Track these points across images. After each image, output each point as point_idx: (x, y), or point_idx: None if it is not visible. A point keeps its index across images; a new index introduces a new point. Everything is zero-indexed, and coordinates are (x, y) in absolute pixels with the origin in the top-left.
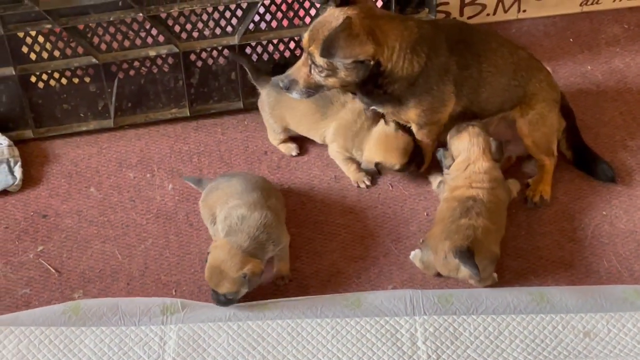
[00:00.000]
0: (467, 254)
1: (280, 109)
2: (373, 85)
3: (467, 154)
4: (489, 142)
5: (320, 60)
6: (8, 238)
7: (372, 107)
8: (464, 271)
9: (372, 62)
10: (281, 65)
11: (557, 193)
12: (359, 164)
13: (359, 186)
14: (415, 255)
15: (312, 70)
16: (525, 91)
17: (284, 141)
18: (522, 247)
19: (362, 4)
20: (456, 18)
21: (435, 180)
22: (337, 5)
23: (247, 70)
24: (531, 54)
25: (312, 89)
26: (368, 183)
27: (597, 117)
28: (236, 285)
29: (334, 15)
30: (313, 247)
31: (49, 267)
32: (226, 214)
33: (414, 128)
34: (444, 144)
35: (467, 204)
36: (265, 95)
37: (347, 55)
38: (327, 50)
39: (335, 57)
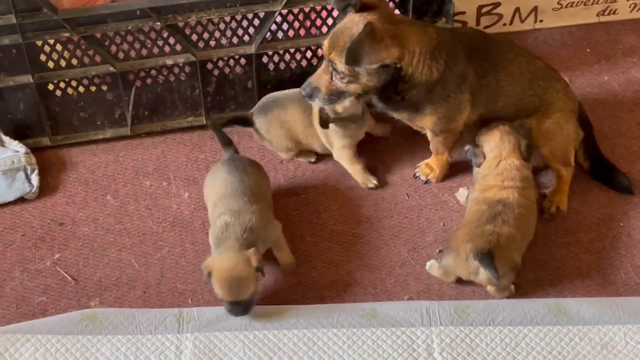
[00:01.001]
0: (488, 256)
1: (275, 128)
2: (393, 90)
3: (498, 151)
4: (519, 141)
5: (342, 67)
6: (25, 246)
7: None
8: (483, 274)
9: (397, 66)
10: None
11: (574, 204)
12: (365, 165)
13: (368, 187)
14: (431, 265)
15: (334, 78)
16: (542, 100)
17: (298, 154)
18: (539, 258)
19: (382, 9)
20: (473, 27)
21: (462, 196)
22: (357, 11)
23: (233, 126)
24: (548, 64)
25: (334, 96)
26: (375, 182)
27: (614, 127)
28: (254, 282)
29: (354, 21)
30: (329, 257)
31: (65, 274)
32: (212, 223)
33: (429, 135)
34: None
35: (496, 208)
36: (258, 125)
37: (374, 60)
38: (353, 57)
39: (362, 63)
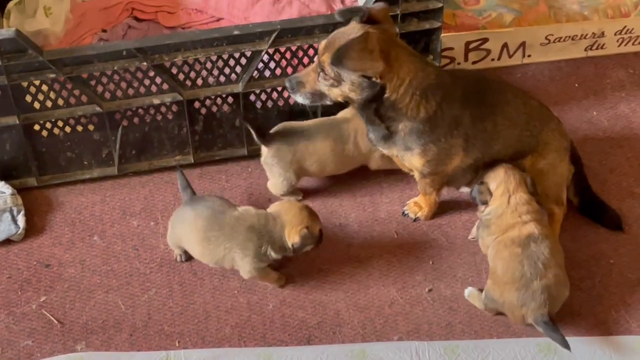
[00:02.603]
0: (549, 323)
1: (298, 160)
2: (375, 113)
3: (505, 186)
4: (524, 176)
5: (328, 68)
6: (10, 288)
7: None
8: None
9: (378, 82)
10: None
11: (564, 241)
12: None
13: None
14: (470, 294)
15: (320, 77)
16: (538, 140)
17: (287, 193)
18: None
19: (386, 26)
20: (473, 69)
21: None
22: (361, 22)
23: (252, 131)
24: (541, 102)
25: (316, 96)
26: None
27: (603, 163)
28: None
29: (355, 28)
30: (317, 297)
31: (51, 317)
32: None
33: (416, 176)
34: None
35: (530, 250)
36: (276, 151)
37: (356, 67)
38: (338, 58)
39: (344, 66)
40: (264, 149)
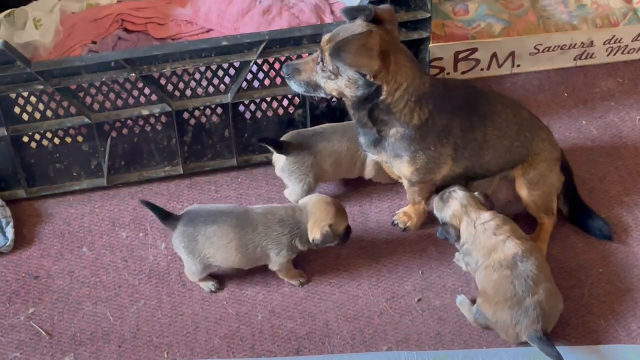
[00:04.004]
0: (544, 339)
1: (318, 162)
2: (367, 113)
3: (466, 217)
4: (475, 197)
5: (327, 60)
6: None
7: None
8: None
9: (373, 82)
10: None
11: (553, 250)
12: None
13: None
14: (462, 302)
15: (318, 68)
16: (528, 150)
17: None
18: None
19: (391, 28)
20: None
21: (459, 261)
22: (367, 21)
23: (272, 148)
24: (531, 113)
25: (311, 87)
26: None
27: (592, 172)
28: None
29: (360, 25)
30: (307, 308)
31: (39, 329)
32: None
33: (405, 184)
34: None
35: (519, 270)
36: (295, 157)
37: (352, 62)
38: (337, 50)
39: (341, 59)
40: (279, 159)
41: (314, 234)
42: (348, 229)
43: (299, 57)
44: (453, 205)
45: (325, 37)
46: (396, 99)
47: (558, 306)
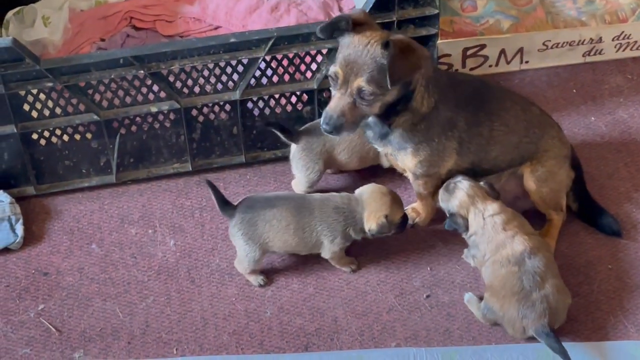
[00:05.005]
0: (551, 335)
1: (327, 150)
2: (393, 109)
3: (473, 208)
4: (481, 187)
5: (370, 88)
6: (9, 297)
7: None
8: None
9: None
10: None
11: (562, 246)
12: None
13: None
14: (469, 300)
15: (357, 103)
16: (537, 147)
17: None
18: None
19: (371, 25)
20: (472, 74)
21: (468, 257)
22: (350, 31)
23: (279, 133)
24: (542, 109)
25: (357, 123)
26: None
27: (601, 168)
28: None
29: (364, 43)
30: (315, 304)
31: (49, 326)
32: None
33: (410, 177)
34: None
35: (527, 266)
36: (305, 144)
37: (409, 75)
38: (396, 77)
39: (406, 77)
40: (293, 146)
41: (370, 224)
42: (404, 218)
43: (307, 53)
44: (459, 196)
45: (341, 74)
46: (417, 87)
47: (565, 302)
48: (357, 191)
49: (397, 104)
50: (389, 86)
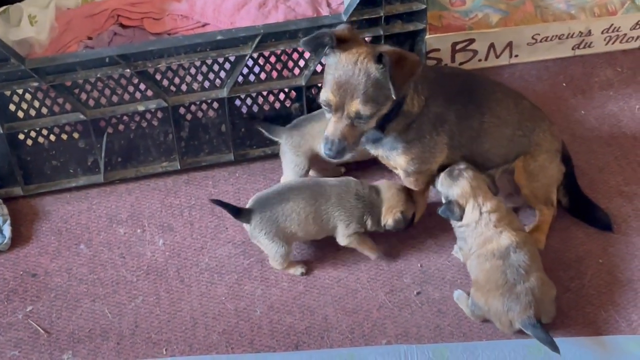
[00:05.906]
0: (537, 326)
1: (306, 143)
2: (386, 119)
3: (473, 200)
4: (486, 180)
5: (366, 110)
6: None
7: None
8: None
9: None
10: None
11: (552, 241)
12: None
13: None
14: (459, 297)
15: (356, 123)
16: (530, 141)
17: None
18: None
19: (356, 40)
20: (460, 68)
21: (457, 252)
22: (339, 49)
23: (262, 128)
24: (533, 103)
25: (358, 142)
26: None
27: (591, 162)
28: None
29: (353, 61)
30: (305, 302)
31: (38, 327)
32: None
33: (401, 175)
34: None
35: (511, 260)
36: (287, 138)
37: (412, 76)
38: (400, 86)
39: (403, 92)
40: (281, 143)
41: (387, 219)
42: (414, 214)
43: (295, 50)
44: (462, 185)
45: (334, 99)
46: (407, 92)
47: (550, 293)
48: (374, 185)
49: (390, 112)
50: (394, 97)
